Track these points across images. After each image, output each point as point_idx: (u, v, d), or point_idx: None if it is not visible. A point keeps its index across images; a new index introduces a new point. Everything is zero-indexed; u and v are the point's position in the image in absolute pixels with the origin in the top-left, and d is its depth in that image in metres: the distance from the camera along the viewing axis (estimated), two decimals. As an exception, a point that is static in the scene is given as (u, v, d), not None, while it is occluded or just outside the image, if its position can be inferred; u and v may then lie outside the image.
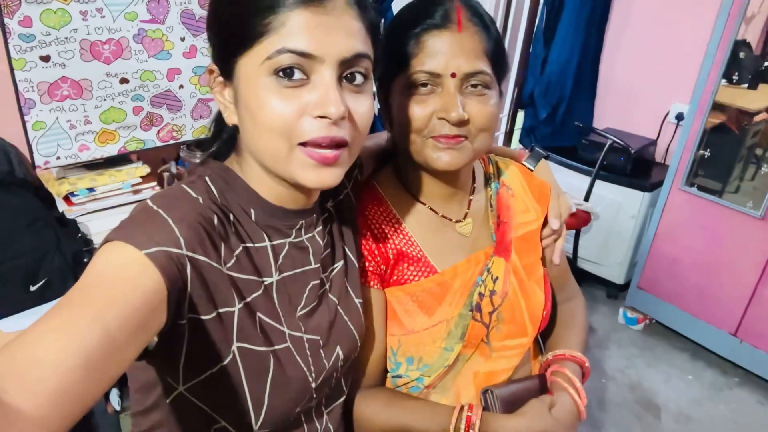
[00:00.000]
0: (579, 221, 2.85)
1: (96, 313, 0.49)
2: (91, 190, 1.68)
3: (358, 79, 0.65)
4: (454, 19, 0.79)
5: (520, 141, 3.50)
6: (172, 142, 1.85)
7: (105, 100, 1.65)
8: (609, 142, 2.83)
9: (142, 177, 1.78)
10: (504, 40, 3.29)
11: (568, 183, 2.98)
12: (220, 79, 0.68)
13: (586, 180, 2.92)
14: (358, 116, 0.66)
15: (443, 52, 0.78)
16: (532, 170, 1.07)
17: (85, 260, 1.47)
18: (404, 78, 0.81)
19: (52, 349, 0.44)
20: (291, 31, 0.60)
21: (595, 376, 2.53)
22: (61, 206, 1.63)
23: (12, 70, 1.45)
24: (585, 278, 3.19)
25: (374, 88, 0.75)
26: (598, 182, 2.90)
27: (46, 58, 1.49)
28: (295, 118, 0.62)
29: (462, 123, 0.80)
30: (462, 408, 0.84)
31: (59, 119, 1.58)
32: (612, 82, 3.26)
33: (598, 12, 3.12)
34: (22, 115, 1.51)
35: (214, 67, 0.69)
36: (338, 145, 0.65)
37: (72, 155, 1.65)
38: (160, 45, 1.70)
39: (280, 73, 0.61)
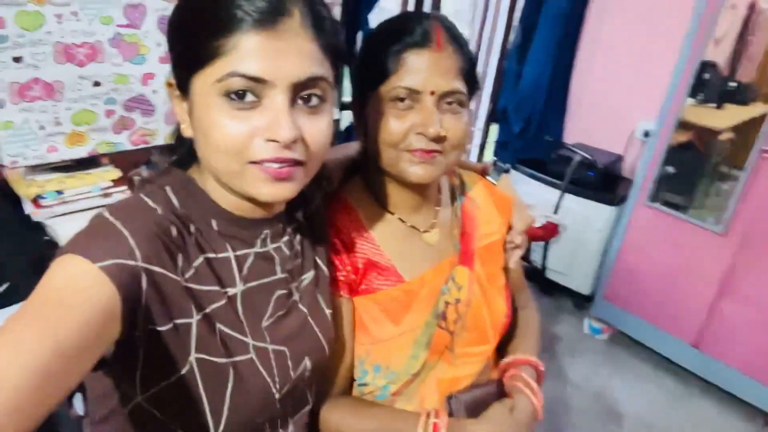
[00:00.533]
0: (548, 233, 2.91)
1: (47, 328, 0.49)
2: (59, 192, 1.65)
3: (314, 101, 0.65)
4: (434, 38, 0.82)
5: (495, 154, 3.56)
6: (143, 146, 1.83)
7: (76, 102, 1.63)
8: (578, 157, 2.90)
9: (113, 180, 1.76)
10: (480, 55, 3.36)
11: (538, 196, 3.03)
12: (178, 92, 0.68)
13: (555, 193, 2.98)
14: (312, 138, 0.66)
15: (423, 69, 0.81)
16: (494, 184, 1.12)
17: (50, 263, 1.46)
18: (383, 92, 0.83)
19: (2, 367, 0.45)
20: (242, 54, 0.60)
21: (560, 384, 2.58)
22: (28, 208, 1.60)
23: (-18, 70, 1.43)
24: (553, 288, 3.24)
25: (344, 99, 0.74)
26: (566, 195, 2.97)
27: (18, 59, 1.48)
28: (246, 140, 0.62)
29: (439, 139, 0.83)
30: (428, 414, 0.86)
31: (28, 119, 1.56)
32: (582, 98, 3.33)
33: (571, 30, 3.19)
34: (-10, 114, 1.49)
35: (173, 81, 0.69)
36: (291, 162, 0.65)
37: (40, 156, 1.62)
38: (136, 49, 1.70)
39: (232, 96, 0.61)
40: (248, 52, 0.60)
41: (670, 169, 2.60)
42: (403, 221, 0.96)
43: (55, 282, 0.55)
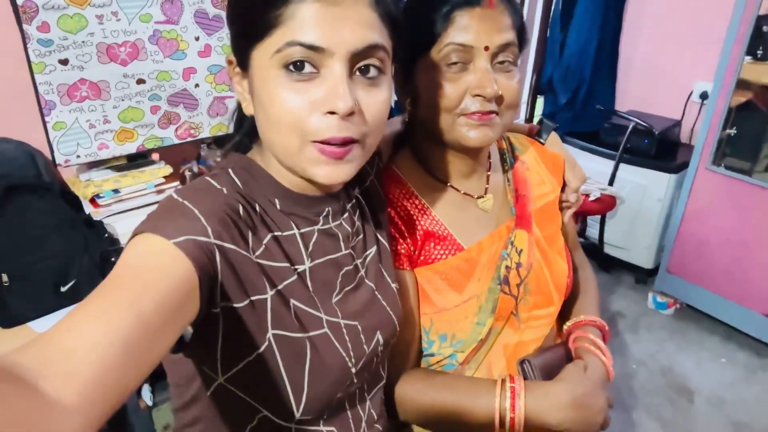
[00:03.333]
0: (604, 206, 2.81)
1: (130, 299, 0.49)
2: (116, 191, 1.71)
3: (372, 71, 0.63)
4: None
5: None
6: (189, 139, 1.87)
7: (123, 100, 1.67)
8: (632, 125, 2.80)
9: (164, 177, 1.81)
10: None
11: (592, 168, 2.94)
12: (238, 69, 0.68)
13: (609, 164, 2.89)
14: (371, 110, 0.64)
15: (474, 26, 0.79)
16: (543, 143, 1.08)
17: (113, 259, 1.50)
18: (433, 55, 0.81)
19: (88, 336, 0.44)
20: (301, 23, 0.59)
21: (626, 362, 2.50)
22: (88, 208, 1.66)
23: (32, 73, 1.48)
24: (612, 264, 3.14)
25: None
26: (622, 166, 2.87)
27: (64, 62, 1.52)
28: (306, 114, 0.61)
29: (496, 99, 0.80)
30: (503, 380, 0.84)
31: (79, 119, 1.61)
32: (633, 64, 3.21)
33: (616, -8, 3.06)
34: (42, 116, 1.54)
35: (233, 58, 0.68)
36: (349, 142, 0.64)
37: (91, 153, 1.68)
38: (175, 45, 1.72)
39: (290, 67, 0.60)
40: (306, 20, 0.59)
41: (732, 132, 2.46)
42: (456, 189, 0.94)
43: (133, 259, 0.55)
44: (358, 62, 0.62)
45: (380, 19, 0.63)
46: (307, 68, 0.60)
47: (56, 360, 0.41)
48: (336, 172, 0.65)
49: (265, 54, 0.61)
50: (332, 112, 0.61)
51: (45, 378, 0.39)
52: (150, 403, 1.66)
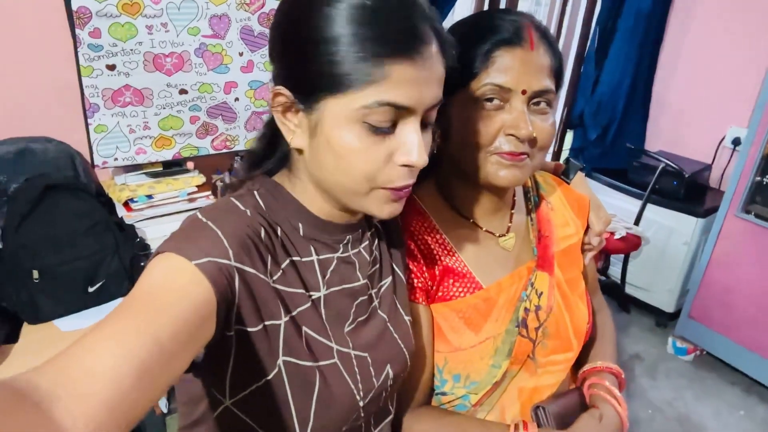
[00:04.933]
0: (628, 245, 2.78)
1: (147, 322, 0.49)
2: (149, 197, 1.74)
3: (431, 119, 0.67)
4: (526, 37, 0.79)
5: (567, 162, 3.45)
6: (225, 150, 1.90)
7: (164, 108, 1.72)
8: (662, 166, 2.77)
9: (197, 186, 1.83)
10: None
11: (618, 206, 2.92)
12: (289, 102, 0.64)
13: (636, 203, 2.86)
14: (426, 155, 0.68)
15: (515, 68, 0.78)
16: (568, 183, 1.06)
17: (142, 264, 1.51)
18: (468, 92, 0.80)
19: (104, 359, 0.44)
20: (394, 84, 0.59)
21: (642, 407, 2.45)
22: (121, 212, 1.69)
23: (80, 76, 1.53)
24: (632, 305, 3.10)
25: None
26: (649, 206, 2.84)
27: (111, 67, 1.56)
28: (381, 166, 0.63)
29: (530, 140, 0.80)
30: (516, 426, 0.83)
31: (120, 123, 1.66)
32: (665, 104, 3.19)
33: (653, 32, 3.06)
34: (86, 118, 1.59)
35: (285, 92, 0.64)
36: None
37: (129, 157, 1.72)
38: (219, 59, 1.76)
39: (373, 123, 0.61)
40: (400, 82, 0.59)
41: (764, 180, 2.43)
42: (478, 226, 0.92)
43: (153, 280, 0.55)
44: (425, 114, 0.65)
45: (444, 74, 0.66)
46: (387, 124, 0.62)
47: (71, 382, 0.42)
48: (395, 208, 0.68)
49: (345, 106, 0.60)
50: (408, 165, 0.64)
51: (59, 400, 0.40)
52: (165, 410, 1.66)
